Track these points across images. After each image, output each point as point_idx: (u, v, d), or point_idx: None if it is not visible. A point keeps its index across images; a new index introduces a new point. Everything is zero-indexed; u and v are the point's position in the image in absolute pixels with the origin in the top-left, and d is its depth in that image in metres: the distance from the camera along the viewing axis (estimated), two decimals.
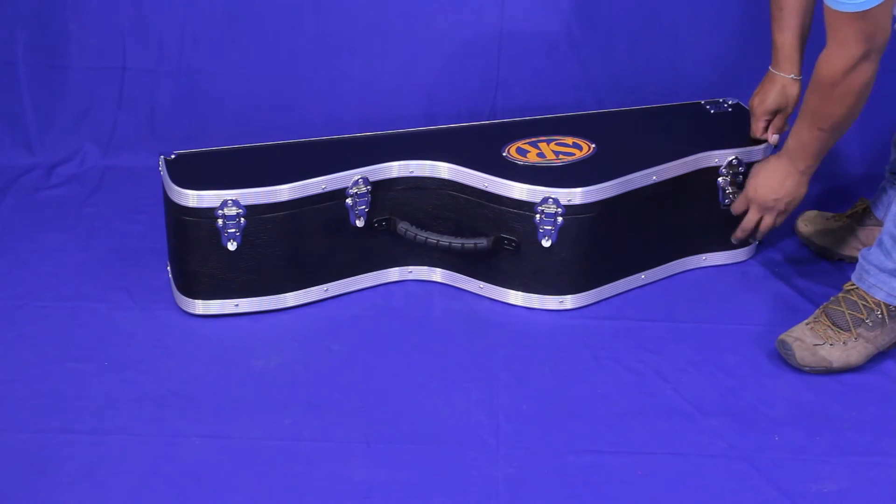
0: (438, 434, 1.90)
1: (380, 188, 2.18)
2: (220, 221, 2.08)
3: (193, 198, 2.08)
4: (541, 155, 2.24)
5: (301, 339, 2.13)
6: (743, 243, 2.33)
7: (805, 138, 2.05)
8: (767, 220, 2.19)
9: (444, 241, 2.19)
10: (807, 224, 2.39)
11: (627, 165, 2.19)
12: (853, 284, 2.07)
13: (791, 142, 2.09)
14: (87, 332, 2.12)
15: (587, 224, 2.16)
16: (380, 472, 1.81)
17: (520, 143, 2.27)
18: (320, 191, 2.13)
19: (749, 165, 2.25)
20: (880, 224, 2.28)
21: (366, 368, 2.05)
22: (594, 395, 2.00)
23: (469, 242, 2.18)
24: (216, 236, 2.10)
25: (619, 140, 2.30)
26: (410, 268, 2.29)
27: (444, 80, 2.78)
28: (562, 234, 2.15)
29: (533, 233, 2.16)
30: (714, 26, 2.71)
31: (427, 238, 2.19)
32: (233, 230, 2.09)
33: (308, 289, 2.20)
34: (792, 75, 2.20)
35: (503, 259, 2.20)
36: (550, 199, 2.12)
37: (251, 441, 1.87)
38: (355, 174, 2.15)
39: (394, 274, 2.28)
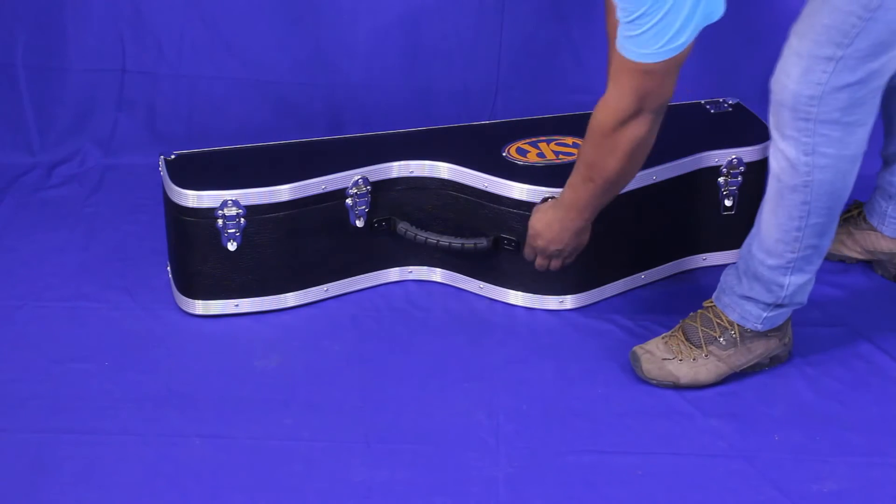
0: (438, 434, 1.90)
1: (380, 188, 2.18)
2: (220, 222, 2.08)
3: (193, 198, 2.08)
4: (541, 155, 2.24)
5: (301, 339, 2.13)
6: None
7: (578, 190, 1.96)
8: (556, 264, 2.09)
9: (444, 241, 2.19)
10: None
11: None
12: (712, 302, 2.04)
13: (566, 192, 2.00)
14: (87, 332, 2.12)
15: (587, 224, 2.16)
16: (380, 472, 1.81)
17: (520, 143, 2.27)
18: (320, 191, 2.13)
19: (749, 165, 2.25)
20: (874, 229, 2.25)
21: (366, 368, 2.05)
22: (594, 395, 2.00)
23: (469, 242, 2.18)
24: (216, 236, 2.10)
25: None
26: (410, 268, 2.29)
27: (444, 80, 2.78)
28: None
29: None
30: (714, 26, 2.71)
31: (427, 238, 2.19)
32: (233, 230, 2.09)
33: (308, 289, 2.20)
34: None
35: (503, 259, 2.20)
36: (550, 200, 2.12)
37: (251, 441, 1.87)
38: (355, 174, 2.15)
39: (394, 274, 2.28)
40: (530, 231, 2.08)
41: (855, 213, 2.29)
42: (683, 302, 2.24)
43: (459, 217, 2.21)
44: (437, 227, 2.22)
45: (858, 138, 1.80)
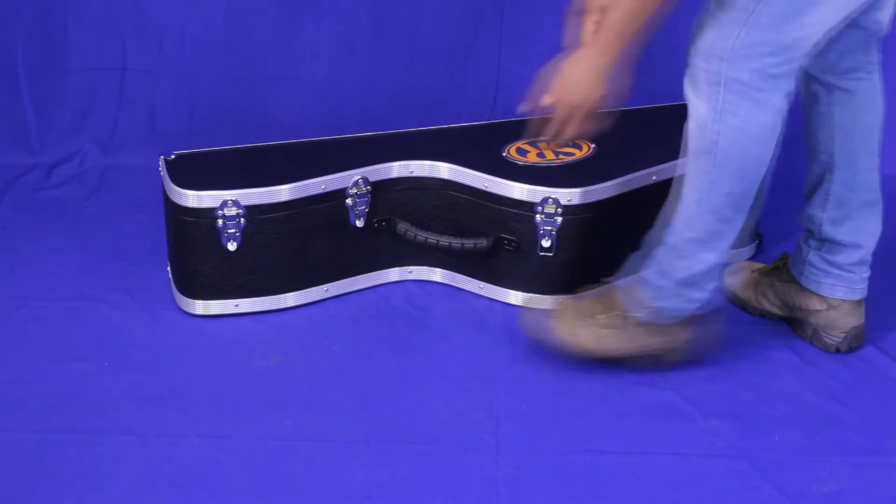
0: (438, 434, 1.90)
1: (380, 188, 2.18)
2: (220, 222, 2.08)
3: (193, 198, 2.08)
4: (541, 155, 2.24)
5: (301, 339, 2.13)
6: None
7: (608, 19, 1.85)
8: (571, 129, 1.94)
9: (444, 241, 2.19)
10: (731, 276, 2.25)
11: (627, 165, 2.19)
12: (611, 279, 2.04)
13: (585, 34, 1.92)
14: (87, 332, 2.12)
15: (587, 224, 2.16)
16: (380, 472, 1.81)
17: (520, 144, 2.27)
18: (320, 191, 2.13)
19: None
20: (794, 281, 2.13)
21: (366, 368, 2.05)
22: (594, 395, 2.00)
23: (469, 242, 2.18)
24: (216, 237, 2.10)
25: (619, 140, 2.30)
26: (410, 268, 2.29)
27: (444, 80, 2.78)
28: (562, 234, 2.15)
29: (533, 233, 2.16)
30: None
31: (427, 238, 2.19)
32: (233, 230, 2.09)
33: (308, 289, 2.20)
34: None
35: (503, 259, 2.20)
36: (550, 200, 2.12)
37: (251, 441, 1.87)
38: (355, 174, 2.15)
39: (394, 274, 2.28)
40: (550, 87, 1.93)
41: (781, 264, 2.20)
42: None
43: (459, 217, 2.21)
44: (437, 227, 2.22)
45: (770, 109, 1.80)
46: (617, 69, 1.89)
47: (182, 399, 1.96)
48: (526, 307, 2.05)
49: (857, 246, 2.06)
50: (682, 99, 2.47)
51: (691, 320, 2.01)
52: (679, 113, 2.41)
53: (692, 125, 1.85)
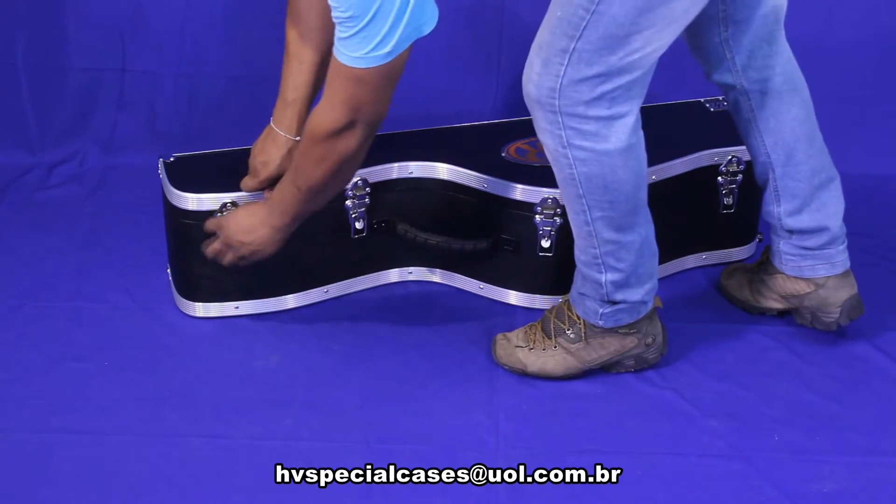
0: (438, 434, 1.90)
1: (379, 189, 2.18)
2: None
3: (193, 201, 2.08)
4: (540, 155, 2.23)
5: (301, 340, 2.13)
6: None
7: (285, 193, 1.90)
8: (228, 256, 2.02)
9: (444, 242, 2.19)
10: (727, 278, 2.26)
11: None
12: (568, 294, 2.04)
13: (275, 192, 1.95)
14: (87, 332, 2.12)
15: None
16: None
17: (520, 144, 2.27)
18: None
19: (748, 164, 2.25)
20: (779, 272, 2.13)
21: (366, 368, 2.05)
22: (594, 395, 2.00)
23: (468, 243, 2.18)
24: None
25: None
26: (410, 269, 2.29)
27: (444, 80, 2.78)
28: (561, 234, 2.15)
29: (532, 233, 2.16)
30: None
31: (427, 239, 2.19)
32: None
33: (308, 290, 2.20)
34: (298, 137, 2.01)
35: (503, 259, 2.20)
36: (550, 200, 2.12)
37: (251, 441, 1.87)
38: (355, 175, 2.15)
39: (393, 275, 2.28)
40: (233, 214, 2.01)
41: (765, 258, 2.19)
42: (682, 300, 2.25)
43: (459, 218, 2.21)
44: (437, 227, 2.22)
45: (617, 132, 1.79)
46: (282, 232, 1.96)
47: (182, 399, 1.96)
48: (495, 341, 2.06)
49: (822, 229, 2.06)
50: (682, 98, 2.49)
51: (653, 315, 2.01)
52: (679, 113, 2.42)
53: (549, 157, 1.85)
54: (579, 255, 1.94)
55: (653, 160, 2.19)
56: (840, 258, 2.08)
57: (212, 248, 2.04)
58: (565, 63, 1.74)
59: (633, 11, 1.69)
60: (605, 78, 1.74)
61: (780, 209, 2.07)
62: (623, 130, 1.79)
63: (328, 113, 1.77)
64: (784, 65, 1.99)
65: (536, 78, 1.78)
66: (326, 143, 1.79)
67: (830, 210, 2.06)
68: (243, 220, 1.99)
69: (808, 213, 2.05)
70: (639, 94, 1.80)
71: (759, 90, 1.99)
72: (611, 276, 1.92)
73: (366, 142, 1.81)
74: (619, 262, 1.91)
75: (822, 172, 2.05)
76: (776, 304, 2.17)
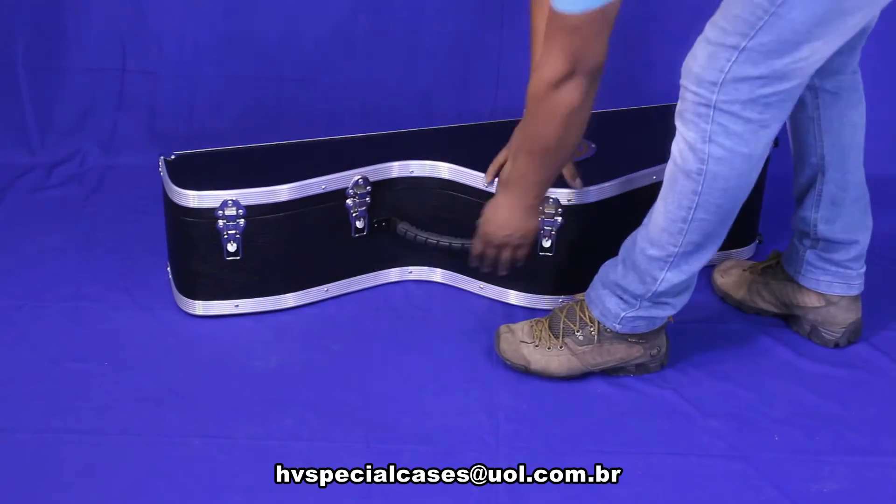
0: (438, 434, 1.90)
1: (380, 188, 2.18)
2: (220, 222, 2.08)
3: (194, 198, 2.08)
4: None
5: (301, 340, 2.13)
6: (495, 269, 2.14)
7: (520, 166, 1.91)
8: (505, 255, 2.04)
9: (444, 241, 2.19)
10: (723, 275, 2.27)
11: (627, 165, 2.19)
12: (583, 294, 2.03)
13: (509, 172, 1.96)
14: (87, 332, 2.12)
15: (587, 224, 2.16)
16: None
17: None
18: (320, 191, 2.13)
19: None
20: (791, 280, 2.14)
21: (366, 368, 2.05)
22: (594, 395, 2.00)
23: (469, 243, 2.18)
24: (216, 237, 2.10)
25: (619, 140, 2.30)
26: (410, 268, 2.29)
27: (444, 80, 2.78)
28: (561, 234, 2.15)
29: None
30: None
31: (427, 238, 2.19)
32: (233, 231, 2.09)
33: (308, 289, 2.20)
34: None
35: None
36: (550, 199, 2.12)
37: (251, 441, 1.87)
38: (355, 174, 2.15)
39: (394, 274, 2.28)
40: (481, 218, 2.03)
41: (773, 262, 2.20)
42: None
43: (459, 217, 2.20)
44: (438, 227, 2.22)
45: (759, 140, 1.78)
46: (532, 208, 1.97)
47: (182, 399, 1.96)
48: (499, 333, 2.05)
49: (853, 242, 2.07)
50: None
51: (663, 328, 2.02)
52: None
53: (679, 147, 1.82)
54: (647, 248, 1.90)
55: (655, 160, 2.20)
56: (857, 282, 2.10)
57: (488, 255, 2.06)
58: (732, 60, 1.73)
59: (811, 19, 1.69)
60: (767, 81, 1.74)
61: (817, 215, 2.07)
62: (765, 140, 1.79)
63: (547, 67, 1.75)
64: (855, 72, 2.00)
65: (699, 70, 1.76)
66: (550, 98, 1.77)
67: (863, 225, 2.08)
68: (492, 217, 2.00)
69: (843, 223, 2.06)
70: (788, 109, 1.79)
71: (832, 91, 1.99)
72: (673, 276, 1.91)
73: (589, 92, 1.78)
74: (689, 265, 1.90)
75: (861, 187, 2.07)
76: (773, 309, 2.18)
